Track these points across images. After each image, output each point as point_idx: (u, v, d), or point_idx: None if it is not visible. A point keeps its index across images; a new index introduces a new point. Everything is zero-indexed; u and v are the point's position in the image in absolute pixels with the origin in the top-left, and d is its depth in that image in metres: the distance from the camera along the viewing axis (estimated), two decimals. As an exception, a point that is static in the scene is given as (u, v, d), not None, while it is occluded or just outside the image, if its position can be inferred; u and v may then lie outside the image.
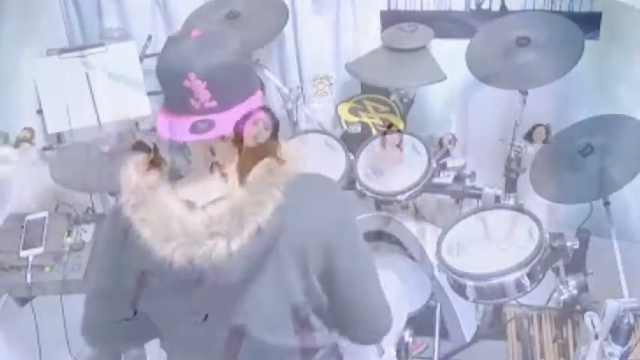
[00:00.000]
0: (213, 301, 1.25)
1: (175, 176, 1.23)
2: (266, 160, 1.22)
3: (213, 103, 1.14)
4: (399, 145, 2.18)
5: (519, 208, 2.02)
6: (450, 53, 2.28)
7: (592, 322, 1.72)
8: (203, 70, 1.12)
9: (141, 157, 1.25)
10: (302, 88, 2.55)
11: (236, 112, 1.17)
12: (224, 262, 1.15)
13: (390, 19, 2.44)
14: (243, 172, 1.22)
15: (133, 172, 1.22)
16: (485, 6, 2.37)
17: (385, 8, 2.47)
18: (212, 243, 1.15)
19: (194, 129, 1.15)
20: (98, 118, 2.18)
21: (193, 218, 1.16)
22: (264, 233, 1.17)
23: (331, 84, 2.62)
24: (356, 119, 2.47)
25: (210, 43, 1.16)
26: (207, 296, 1.24)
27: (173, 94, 1.17)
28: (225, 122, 1.16)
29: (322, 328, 1.36)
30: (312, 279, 1.26)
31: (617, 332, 1.68)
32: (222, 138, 1.18)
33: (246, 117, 1.19)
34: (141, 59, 2.37)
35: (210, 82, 1.13)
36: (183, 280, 1.19)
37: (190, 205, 1.18)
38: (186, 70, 1.12)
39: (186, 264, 1.15)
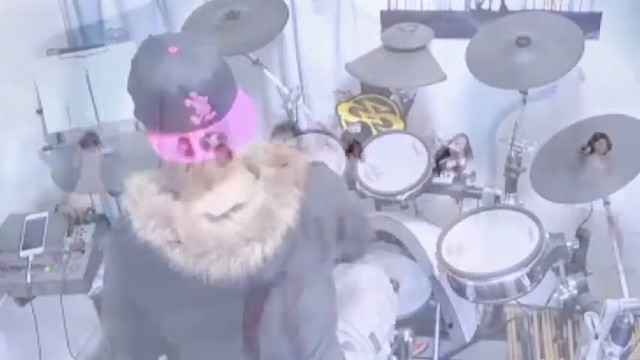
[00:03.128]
0: (243, 307, 1.25)
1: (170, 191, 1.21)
2: (281, 158, 1.23)
3: (213, 114, 1.12)
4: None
5: (519, 208, 2.02)
6: (450, 53, 2.28)
7: (592, 322, 1.72)
8: (202, 85, 1.10)
9: (140, 182, 1.21)
10: (302, 88, 2.55)
11: (233, 114, 1.16)
12: (259, 267, 1.16)
13: (390, 19, 2.44)
14: (260, 173, 1.22)
15: (141, 198, 1.18)
16: (485, 6, 2.37)
17: (385, 8, 2.47)
18: (248, 250, 1.15)
19: (206, 146, 1.13)
20: (98, 118, 2.18)
21: (223, 229, 1.15)
22: (292, 231, 1.18)
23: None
24: (356, 119, 2.47)
25: (196, 55, 1.12)
26: (238, 305, 1.24)
27: (170, 115, 1.12)
28: (230, 129, 1.14)
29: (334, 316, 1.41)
30: (330, 251, 1.34)
31: (617, 332, 1.68)
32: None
33: (246, 118, 1.19)
34: (141, 59, 2.37)
35: (210, 95, 1.11)
36: (214, 295, 1.18)
37: (209, 216, 1.17)
38: (186, 90, 1.09)
39: (223, 276, 1.14)
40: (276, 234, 1.16)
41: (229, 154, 1.18)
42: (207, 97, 1.10)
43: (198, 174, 1.20)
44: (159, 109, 1.12)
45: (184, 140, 1.12)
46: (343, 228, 1.38)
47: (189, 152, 1.13)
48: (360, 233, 1.53)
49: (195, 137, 1.12)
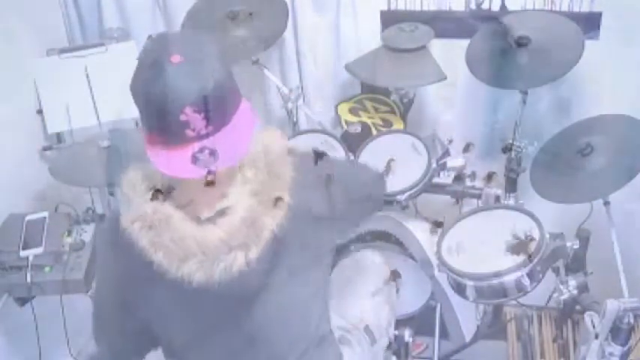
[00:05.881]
0: (230, 312, 1.25)
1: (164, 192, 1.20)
2: (268, 164, 1.21)
3: (209, 129, 1.10)
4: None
5: (519, 208, 2.02)
6: (450, 53, 2.28)
7: (592, 322, 1.72)
8: (199, 101, 1.07)
9: (133, 179, 1.20)
10: (302, 88, 2.55)
11: (230, 129, 1.13)
12: (243, 272, 1.15)
13: (390, 19, 2.44)
14: (247, 180, 1.21)
15: (133, 195, 1.18)
16: (485, 6, 2.37)
17: (385, 8, 2.47)
18: (232, 257, 1.14)
19: (196, 160, 1.10)
20: (98, 118, 2.18)
21: (208, 234, 1.14)
22: (278, 236, 1.17)
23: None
24: (356, 119, 2.47)
25: (198, 69, 1.09)
26: (224, 308, 1.24)
27: (165, 127, 1.10)
28: (223, 146, 1.11)
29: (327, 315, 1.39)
30: (324, 247, 1.33)
31: (617, 332, 1.68)
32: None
33: (245, 132, 1.17)
34: (141, 59, 2.36)
35: (207, 111, 1.08)
36: (199, 298, 1.17)
37: (197, 220, 1.16)
38: (182, 104, 1.06)
39: (206, 281, 1.14)
40: (260, 241, 1.15)
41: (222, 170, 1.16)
42: (202, 114, 1.08)
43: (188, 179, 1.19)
44: (154, 119, 1.11)
45: (176, 152, 1.10)
46: (346, 199, 1.36)
47: (180, 167, 1.11)
48: (363, 191, 1.51)
49: (186, 151, 1.10)
